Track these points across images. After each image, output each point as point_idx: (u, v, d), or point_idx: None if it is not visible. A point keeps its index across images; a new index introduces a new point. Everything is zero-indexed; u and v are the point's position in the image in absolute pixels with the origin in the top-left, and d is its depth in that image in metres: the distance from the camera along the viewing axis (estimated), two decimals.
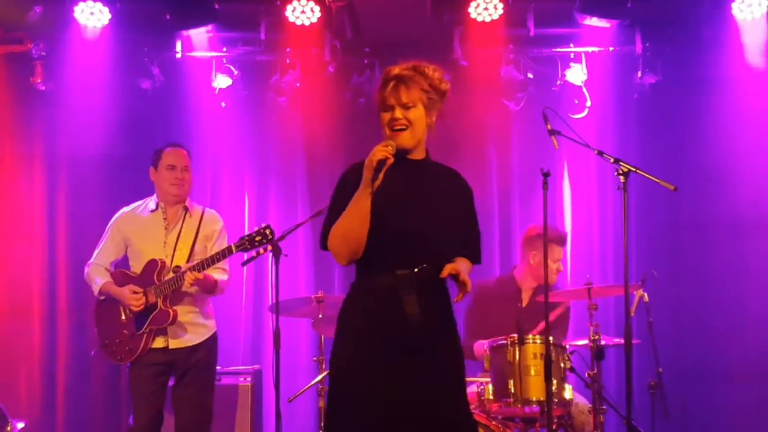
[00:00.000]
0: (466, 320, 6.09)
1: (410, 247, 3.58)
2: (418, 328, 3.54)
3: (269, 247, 5.21)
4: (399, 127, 3.64)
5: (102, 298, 5.42)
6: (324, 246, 3.68)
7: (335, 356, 3.65)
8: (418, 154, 3.73)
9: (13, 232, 7.12)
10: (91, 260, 5.51)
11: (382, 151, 3.51)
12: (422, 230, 3.59)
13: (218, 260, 5.21)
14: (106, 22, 6.82)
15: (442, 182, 3.75)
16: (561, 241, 6.12)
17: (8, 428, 5.92)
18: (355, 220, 3.53)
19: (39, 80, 7.00)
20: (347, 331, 3.65)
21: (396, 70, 3.69)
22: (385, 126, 3.66)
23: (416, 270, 3.57)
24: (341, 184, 3.71)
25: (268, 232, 5.15)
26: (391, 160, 3.52)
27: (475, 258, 3.78)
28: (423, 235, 3.59)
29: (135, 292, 5.26)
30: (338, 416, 3.58)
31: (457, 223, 3.70)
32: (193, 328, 5.36)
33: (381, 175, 3.50)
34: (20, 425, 6.04)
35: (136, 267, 5.40)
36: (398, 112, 3.63)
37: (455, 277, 3.52)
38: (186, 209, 5.48)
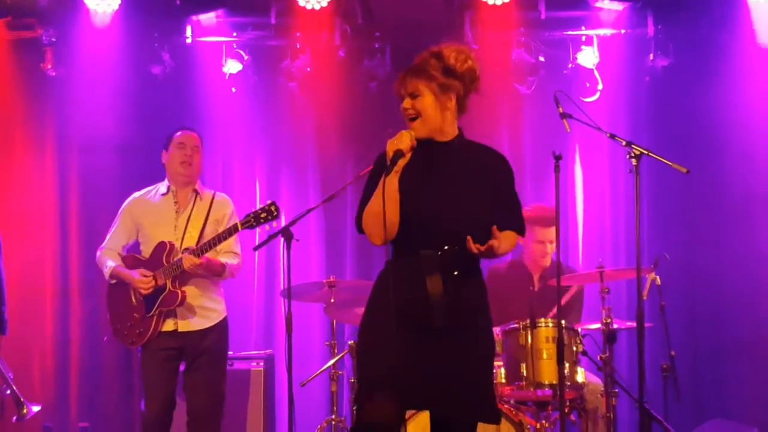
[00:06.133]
0: None
1: (434, 230, 3.61)
2: (441, 308, 3.57)
3: (274, 224, 5.21)
4: (410, 117, 3.70)
5: (113, 281, 5.44)
6: (359, 229, 3.73)
7: (361, 331, 3.76)
8: (445, 136, 3.74)
9: (24, 218, 7.13)
10: (103, 245, 5.53)
11: (395, 145, 3.57)
12: (445, 212, 3.62)
13: (225, 239, 5.21)
14: (116, 7, 6.81)
15: (472, 162, 3.74)
16: (544, 222, 6.01)
17: (24, 411, 5.98)
18: (383, 204, 3.56)
19: (49, 66, 6.99)
20: (374, 308, 3.72)
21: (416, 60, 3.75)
22: None
23: (440, 252, 3.59)
24: (375, 165, 3.75)
25: (273, 208, 5.16)
26: (408, 155, 3.57)
27: (519, 228, 3.77)
28: (446, 218, 3.61)
29: (144, 275, 5.28)
30: (362, 389, 3.67)
31: (486, 201, 3.68)
32: (202, 311, 5.36)
33: (403, 161, 3.56)
34: (36, 408, 6.07)
35: (147, 251, 5.42)
36: (406, 102, 3.70)
37: (488, 252, 3.53)
38: (196, 192, 5.48)
